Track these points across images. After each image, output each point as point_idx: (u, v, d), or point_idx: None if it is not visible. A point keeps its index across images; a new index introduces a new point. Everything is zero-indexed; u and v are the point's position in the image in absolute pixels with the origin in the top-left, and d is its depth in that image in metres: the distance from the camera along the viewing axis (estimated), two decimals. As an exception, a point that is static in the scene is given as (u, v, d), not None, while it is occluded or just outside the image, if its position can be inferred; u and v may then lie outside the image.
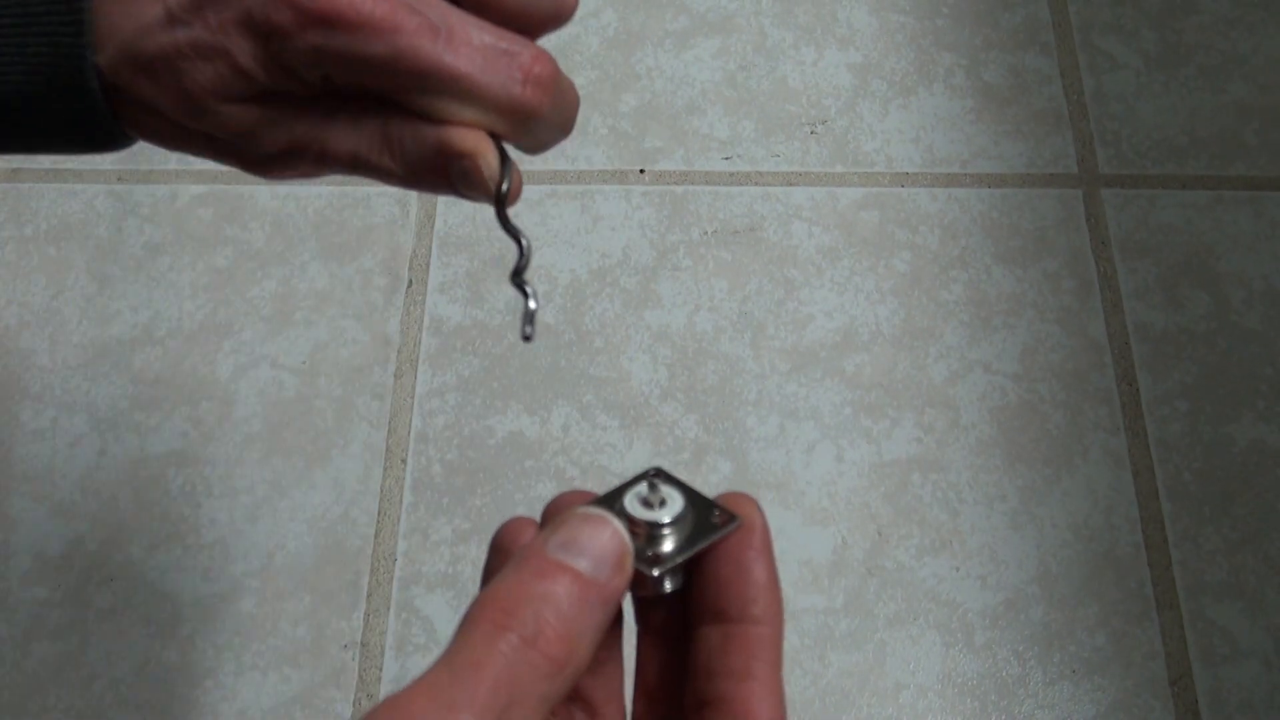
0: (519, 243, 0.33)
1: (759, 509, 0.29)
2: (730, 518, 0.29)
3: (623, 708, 0.30)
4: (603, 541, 0.26)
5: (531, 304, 0.32)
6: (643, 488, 0.29)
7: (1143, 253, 0.70)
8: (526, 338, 0.32)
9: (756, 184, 0.72)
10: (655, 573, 0.28)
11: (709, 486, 0.63)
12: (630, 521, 0.28)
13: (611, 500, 0.29)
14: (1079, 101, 0.75)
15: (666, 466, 0.31)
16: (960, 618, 0.60)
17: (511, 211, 0.32)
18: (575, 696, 0.29)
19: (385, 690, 0.58)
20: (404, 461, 0.64)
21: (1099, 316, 0.68)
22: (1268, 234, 0.71)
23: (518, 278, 0.32)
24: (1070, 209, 0.72)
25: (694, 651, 0.28)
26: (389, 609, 0.60)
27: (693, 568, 0.29)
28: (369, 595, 0.61)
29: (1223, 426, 0.65)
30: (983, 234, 0.71)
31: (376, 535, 0.62)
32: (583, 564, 0.26)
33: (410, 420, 0.65)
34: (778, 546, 0.68)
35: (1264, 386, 0.66)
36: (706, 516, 0.29)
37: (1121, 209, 0.72)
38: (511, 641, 0.24)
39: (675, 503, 0.29)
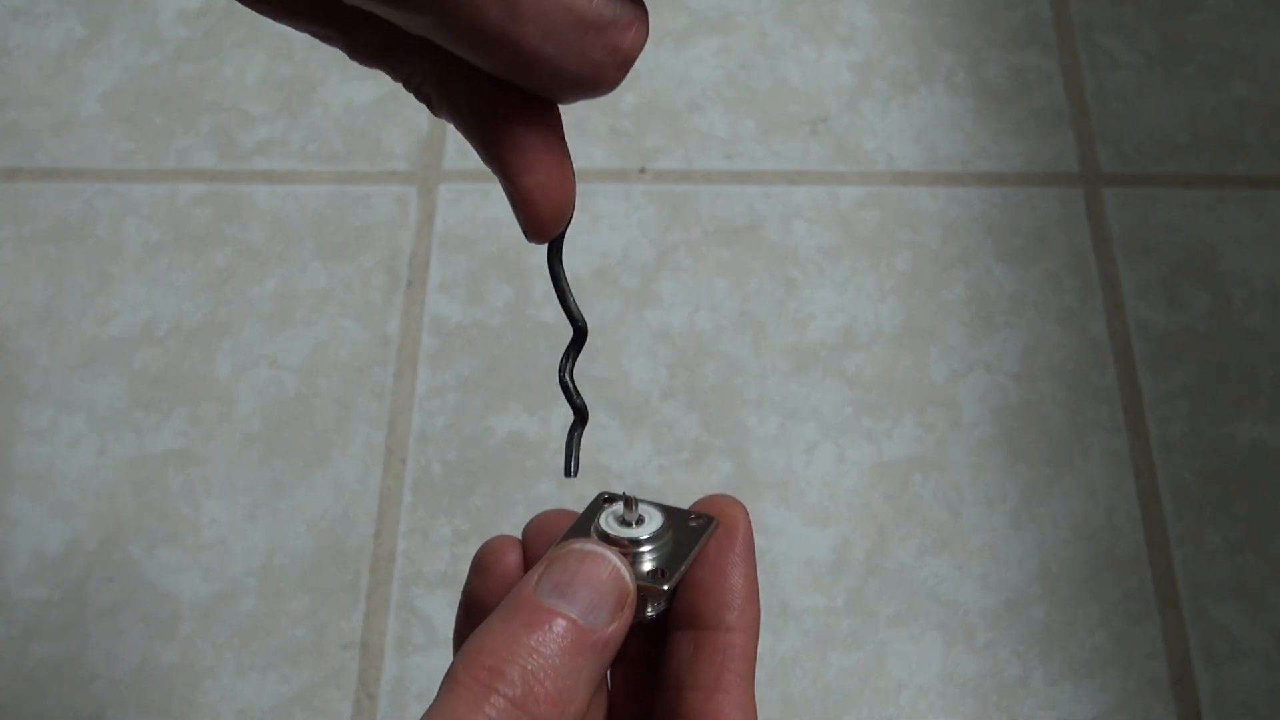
0: (571, 315, 0.27)
1: (743, 511, 0.28)
2: (707, 520, 0.27)
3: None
4: (601, 582, 0.24)
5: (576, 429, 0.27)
6: (618, 507, 0.27)
7: (1144, 252, 0.70)
8: (569, 472, 0.28)
9: (757, 183, 0.72)
10: (665, 588, 0.26)
11: (709, 487, 0.63)
12: (610, 541, 0.26)
13: (585, 525, 0.27)
14: (1080, 100, 0.75)
15: (630, 488, 0.29)
16: (961, 618, 0.60)
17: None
18: None
19: (385, 690, 0.58)
20: (404, 461, 0.64)
21: (1100, 316, 0.68)
22: (1269, 233, 0.70)
23: (568, 369, 0.27)
24: (1071, 208, 0.72)
25: (665, 661, 0.27)
26: (389, 609, 0.60)
27: (677, 587, 0.27)
28: (369, 595, 0.60)
29: (1224, 426, 0.65)
30: (984, 233, 0.71)
31: (376, 535, 0.62)
32: (578, 610, 0.24)
33: (410, 420, 0.65)
34: (779, 546, 0.68)
35: (1266, 386, 0.66)
36: (684, 524, 0.27)
37: (1123, 208, 0.71)
38: (499, 704, 0.22)
39: (653, 518, 0.27)
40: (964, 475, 0.63)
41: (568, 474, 0.28)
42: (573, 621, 0.23)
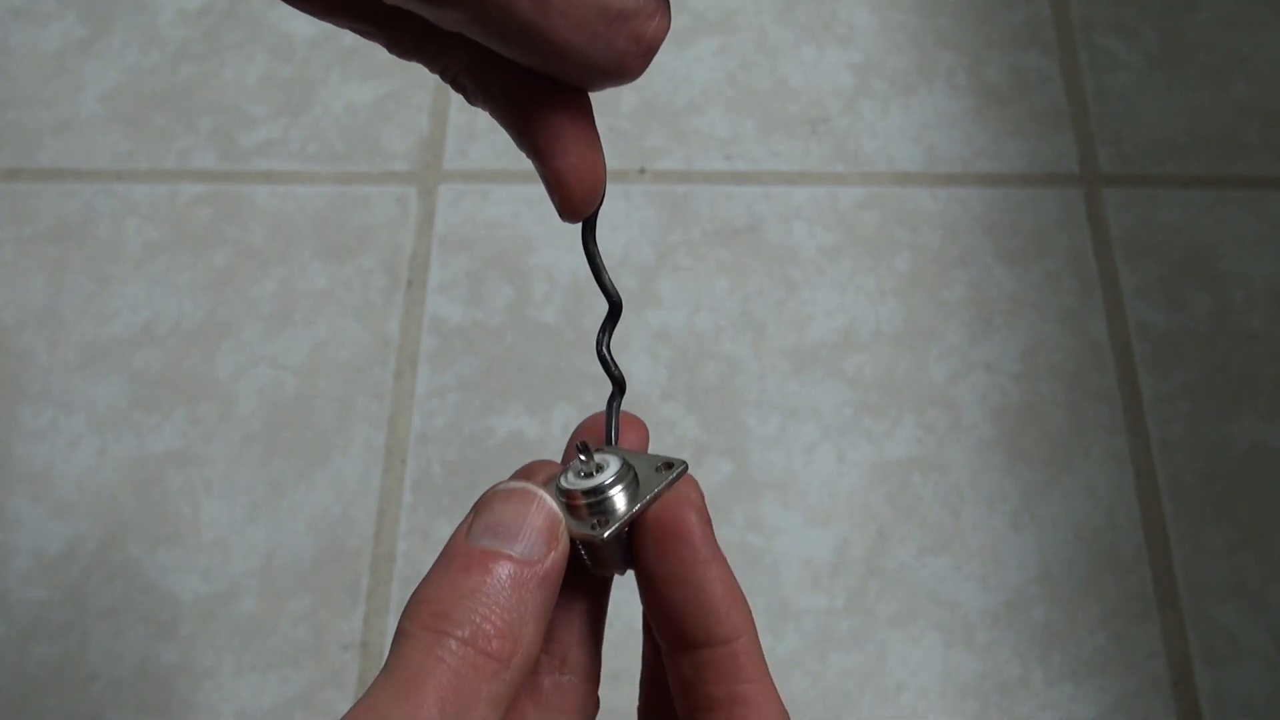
0: (606, 291, 0.28)
1: (692, 508, 0.26)
2: (670, 463, 0.27)
3: (593, 655, 0.28)
4: (528, 516, 0.25)
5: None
6: (576, 461, 0.27)
7: (1144, 252, 0.70)
8: (609, 441, 0.28)
9: (757, 183, 0.72)
10: (605, 535, 0.25)
11: (709, 487, 0.63)
12: (568, 496, 0.26)
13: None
14: (1080, 101, 0.75)
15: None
16: (961, 618, 0.60)
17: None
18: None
19: (385, 691, 0.58)
20: (404, 462, 0.64)
21: (1100, 316, 0.68)
22: (1269, 234, 0.70)
23: (605, 342, 0.28)
24: (1072, 208, 0.71)
25: (674, 690, 0.26)
26: (389, 609, 0.60)
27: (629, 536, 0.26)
28: (369, 596, 0.60)
29: (1224, 426, 0.65)
30: (984, 234, 0.71)
31: (376, 535, 0.62)
32: (510, 546, 0.24)
33: (410, 420, 0.65)
34: (779, 546, 0.68)
35: (1266, 386, 0.66)
36: (650, 469, 0.27)
37: (1123, 208, 0.71)
38: (450, 646, 0.22)
39: (612, 464, 0.26)
40: (964, 475, 0.63)
41: (608, 443, 0.28)
42: (507, 557, 0.24)
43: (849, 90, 0.76)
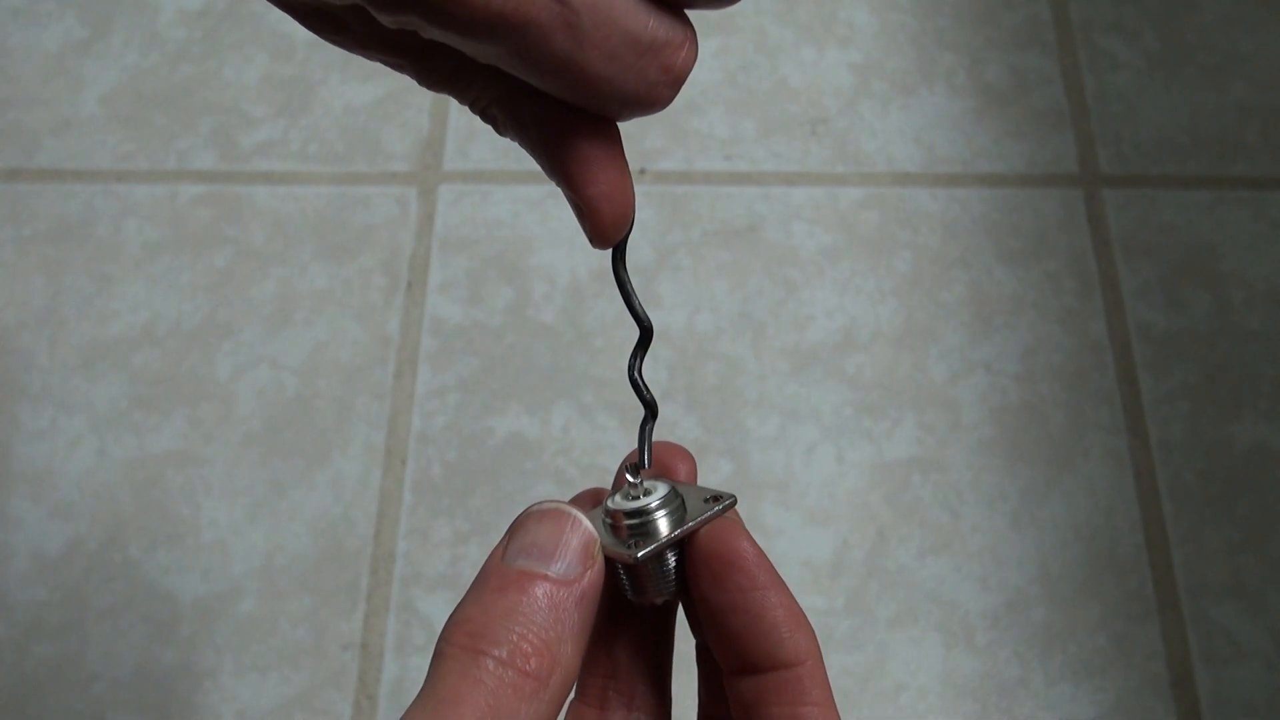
0: (636, 316, 0.28)
1: (744, 537, 0.26)
2: (719, 497, 0.27)
3: (661, 692, 0.29)
4: (563, 536, 0.24)
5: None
6: (626, 484, 0.27)
7: (1144, 253, 0.70)
8: (643, 465, 0.28)
9: (757, 184, 0.72)
10: (638, 555, 0.25)
11: (709, 486, 0.63)
12: (613, 516, 0.26)
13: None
14: (1080, 101, 0.75)
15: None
16: (961, 618, 0.60)
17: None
18: (610, 674, 0.28)
19: (385, 691, 0.58)
20: (404, 462, 0.64)
21: (1100, 317, 0.68)
22: (1269, 234, 0.70)
23: (637, 367, 0.28)
24: (1071, 209, 0.72)
25: (732, 704, 0.26)
26: (389, 610, 0.60)
27: (686, 584, 0.27)
28: (369, 596, 0.60)
29: (1224, 427, 0.65)
30: (984, 234, 0.71)
31: (376, 536, 0.62)
32: (547, 566, 0.24)
33: (410, 420, 0.65)
34: (779, 546, 0.68)
35: (1266, 387, 0.66)
36: (697, 500, 0.27)
37: (1123, 209, 0.71)
38: (488, 666, 0.23)
39: (660, 490, 0.27)
40: (964, 476, 0.63)
41: (641, 467, 0.28)
42: (544, 577, 0.24)
43: (849, 90, 0.76)
